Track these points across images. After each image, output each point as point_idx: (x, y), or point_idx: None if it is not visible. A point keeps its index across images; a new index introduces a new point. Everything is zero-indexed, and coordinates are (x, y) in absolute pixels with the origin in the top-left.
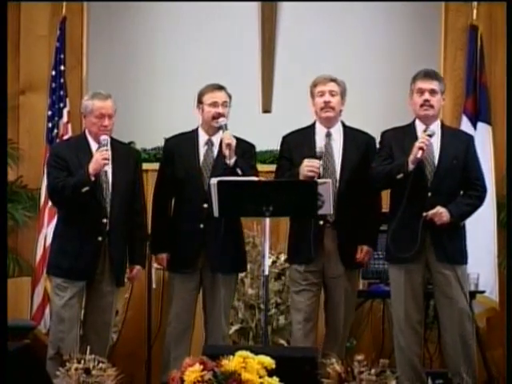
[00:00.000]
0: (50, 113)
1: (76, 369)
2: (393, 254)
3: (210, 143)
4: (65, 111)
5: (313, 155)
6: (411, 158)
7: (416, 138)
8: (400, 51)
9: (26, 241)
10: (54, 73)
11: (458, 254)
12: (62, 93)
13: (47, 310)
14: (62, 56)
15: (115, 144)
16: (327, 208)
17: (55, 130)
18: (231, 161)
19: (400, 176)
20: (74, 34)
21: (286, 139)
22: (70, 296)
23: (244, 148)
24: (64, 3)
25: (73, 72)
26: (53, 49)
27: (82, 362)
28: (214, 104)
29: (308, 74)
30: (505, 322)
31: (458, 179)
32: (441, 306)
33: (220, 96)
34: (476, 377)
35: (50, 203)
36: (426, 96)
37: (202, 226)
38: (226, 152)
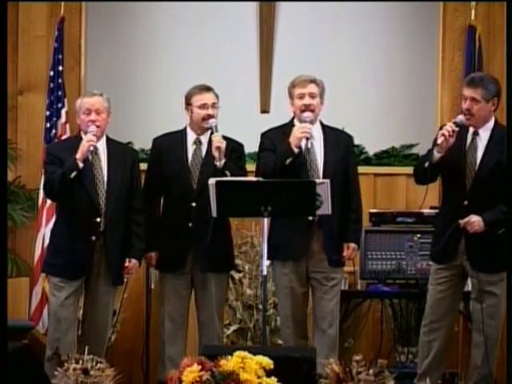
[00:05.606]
0: (48, 113)
1: (74, 369)
2: (432, 257)
3: (198, 142)
4: (63, 111)
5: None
6: (437, 148)
7: (465, 140)
8: (398, 51)
9: (24, 241)
10: (52, 73)
11: (495, 263)
12: (60, 93)
13: (45, 311)
14: (60, 56)
15: (112, 143)
16: (326, 208)
17: (53, 131)
18: (221, 163)
19: (427, 165)
20: (72, 35)
21: (266, 135)
22: (66, 296)
23: (233, 147)
24: (62, 3)
25: (71, 72)
26: (51, 49)
27: (80, 362)
28: (204, 106)
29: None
30: (504, 322)
31: (500, 186)
32: (473, 307)
33: (209, 97)
34: (488, 380)
35: (48, 203)
36: (467, 104)
37: (190, 224)
38: (216, 154)
